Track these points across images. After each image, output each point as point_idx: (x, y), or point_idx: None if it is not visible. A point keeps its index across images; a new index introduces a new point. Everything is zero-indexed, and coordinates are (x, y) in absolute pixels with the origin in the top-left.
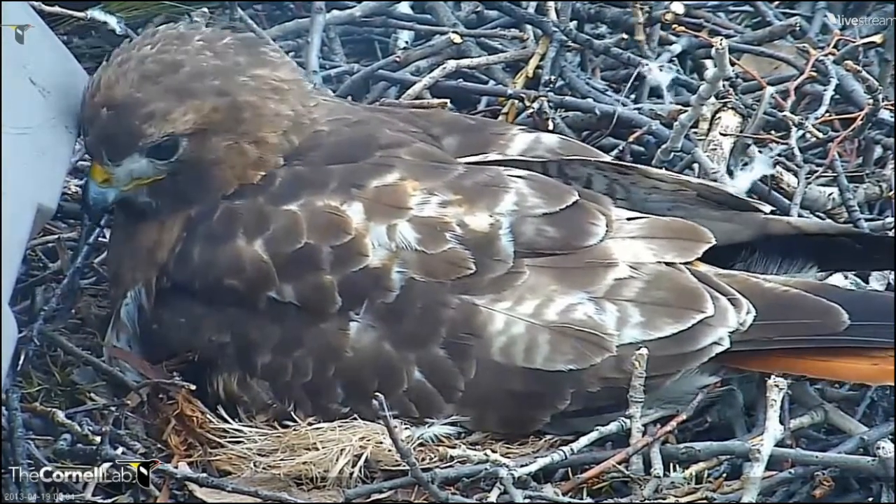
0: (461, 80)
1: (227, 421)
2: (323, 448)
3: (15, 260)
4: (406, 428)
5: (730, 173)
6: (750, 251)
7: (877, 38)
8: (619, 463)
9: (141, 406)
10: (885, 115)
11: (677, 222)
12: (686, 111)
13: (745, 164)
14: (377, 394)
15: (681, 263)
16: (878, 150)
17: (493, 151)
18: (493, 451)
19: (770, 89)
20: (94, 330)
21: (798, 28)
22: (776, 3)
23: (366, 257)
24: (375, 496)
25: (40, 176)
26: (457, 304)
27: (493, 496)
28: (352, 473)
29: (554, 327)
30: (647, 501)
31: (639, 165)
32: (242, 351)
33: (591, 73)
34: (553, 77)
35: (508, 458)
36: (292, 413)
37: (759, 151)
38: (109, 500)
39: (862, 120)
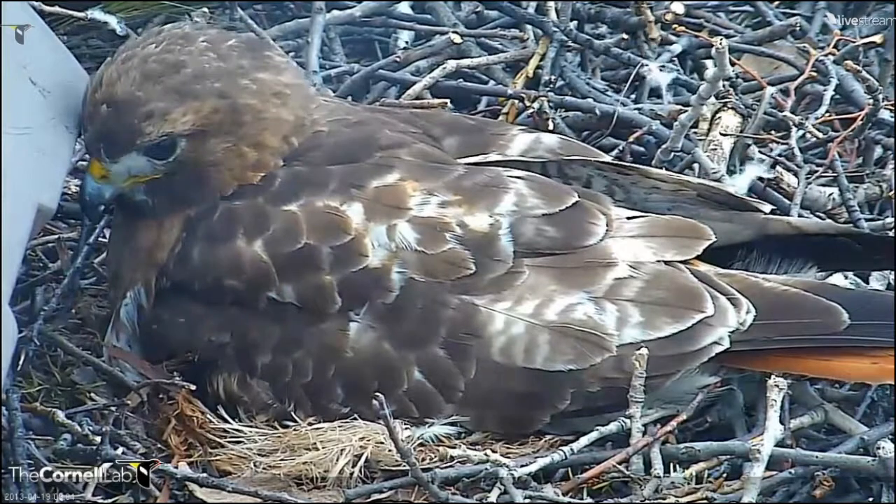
0: (461, 80)
1: (227, 421)
2: (323, 448)
3: (15, 260)
4: (406, 428)
5: (730, 173)
6: (750, 251)
7: (877, 38)
8: (620, 463)
9: (141, 406)
10: (885, 115)
11: (677, 220)
12: (686, 111)
13: (736, 170)
14: (378, 394)
15: (681, 262)
16: (879, 151)
17: (493, 152)
18: (494, 452)
19: (770, 89)
20: (94, 330)
21: (798, 28)
22: (776, 3)
23: (365, 257)
24: (375, 496)
25: (40, 176)
26: (457, 304)
27: (493, 496)
28: (352, 473)
29: (554, 327)
30: (647, 501)
31: (639, 166)
32: (242, 351)
33: (591, 73)
34: (553, 77)
35: (508, 458)
36: (292, 413)
37: (760, 152)
38: (109, 501)
39: (862, 120)
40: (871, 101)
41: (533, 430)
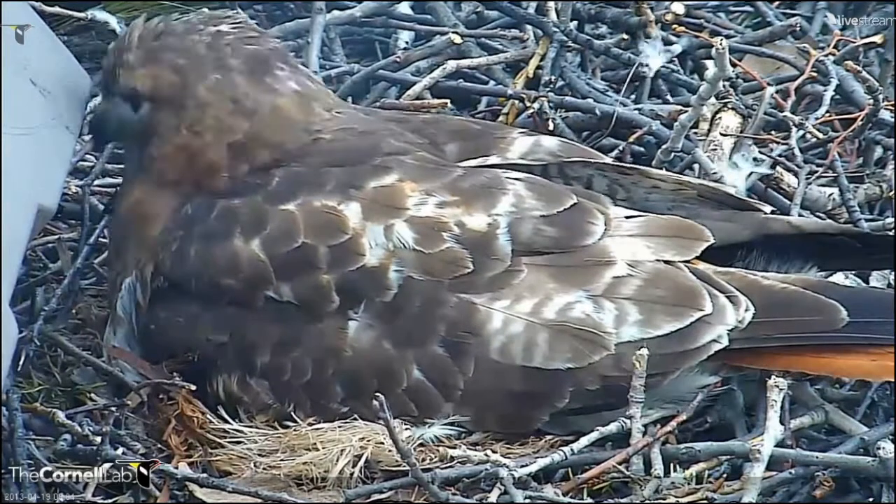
0: (461, 80)
1: (227, 421)
2: (323, 448)
3: (15, 260)
4: (406, 428)
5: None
6: (750, 251)
7: (877, 39)
8: (620, 463)
9: (141, 406)
10: (885, 115)
11: (676, 220)
12: (686, 111)
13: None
14: (378, 394)
15: (679, 262)
16: (879, 151)
17: (494, 155)
18: (494, 452)
19: (770, 89)
20: (95, 330)
21: (798, 28)
22: (776, 3)
23: (363, 256)
24: (376, 496)
25: (40, 176)
26: (455, 302)
27: (493, 496)
28: (352, 474)
29: (552, 326)
30: (647, 502)
31: (639, 166)
32: (241, 351)
33: (591, 73)
34: (553, 77)
35: (508, 458)
36: (292, 413)
37: (760, 152)
38: (110, 501)
39: (862, 120)
40: (871, 101)
41: (532, 429)
